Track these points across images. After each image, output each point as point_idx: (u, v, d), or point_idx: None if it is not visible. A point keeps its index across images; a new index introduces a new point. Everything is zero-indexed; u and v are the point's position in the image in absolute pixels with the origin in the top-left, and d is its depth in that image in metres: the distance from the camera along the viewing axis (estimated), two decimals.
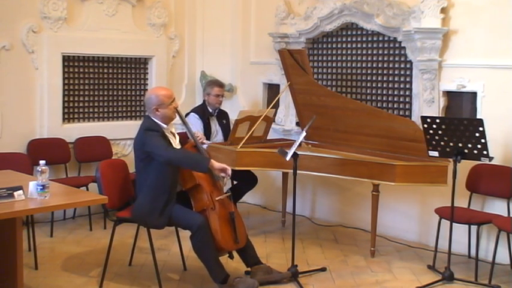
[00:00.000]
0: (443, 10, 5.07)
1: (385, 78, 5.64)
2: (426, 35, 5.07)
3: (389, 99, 5.62)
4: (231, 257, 4.30)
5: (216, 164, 4.05)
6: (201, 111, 5.87)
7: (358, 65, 5.85)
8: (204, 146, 5.23)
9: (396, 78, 5.55)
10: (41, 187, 3.50)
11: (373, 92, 5.73)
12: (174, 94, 4.35)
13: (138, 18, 6.45)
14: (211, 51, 7.02)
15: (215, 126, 5.94)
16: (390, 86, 5.60)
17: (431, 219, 5.12)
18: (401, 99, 5.53)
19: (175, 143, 4.29)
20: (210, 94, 5.89)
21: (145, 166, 4.15)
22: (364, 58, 5.80)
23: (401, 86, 5.51)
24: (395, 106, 5.58)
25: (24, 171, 4.71)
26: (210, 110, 5.91)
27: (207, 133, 5.80)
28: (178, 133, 4.54)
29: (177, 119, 4.36)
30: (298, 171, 4.41)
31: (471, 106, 5.07)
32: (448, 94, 5.21)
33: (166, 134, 4.19)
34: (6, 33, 5.60)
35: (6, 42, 5.59)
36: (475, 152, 4.19)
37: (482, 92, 4.94)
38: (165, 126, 4.20)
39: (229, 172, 4.13)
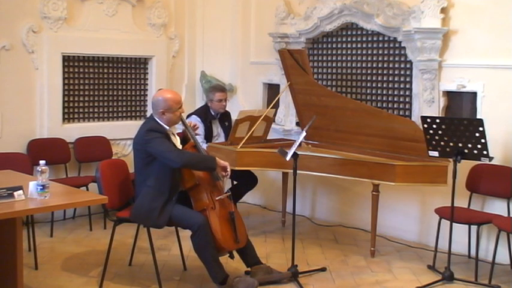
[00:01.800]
0: (443, 10, 5.07)
1: (385, 78, 5.64)
2: (426, 35, 5.07)
3: (389, 99, 5.61)
4: (231, 256, 4.30)
5: (221, 162, 4.21)
6: (203, 114, 5.83)
7: (358, 65, 5.84)
8: (204, 146, 5.23)
9: (396, 78, 5.55)
10: (41, 187, 3.50)
11: (373, 92, 5.73)
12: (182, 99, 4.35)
13: (138, 18, 6.45)
14: (211, 51, 7.02)
15: (217, 129, 5.91)
16: (390, 86, 5.60)
17: (431, 219, 5.12)
18: (401, 99, 5.53)
19: (177, 143, 4.29)
20: (212, 100, 5.83)
21: (146, 166, 4.15)
22: (364, 58, 5.79)
23: (401, 86, 5.51)
24: (395, 106, 5.58)
25: (24, 171, 4.71)
26: (213, 114, 5.88)
27: (209, 136, 5.79)
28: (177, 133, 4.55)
29: None
30: (298, 171, 4.41)
31: (471, 106, 5.07)
32: (448, 94, 5.21)
33: (169, 134, 4.20)
34: (6, 33, 5.60)
35: (6, 42, 5.59)
36: (475, 152, 4.19)
37: (482, 92, 4.94)
38: (167, 128, 4.21)
39: (229, 171, 4.21)
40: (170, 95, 4.24)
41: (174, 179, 4.17)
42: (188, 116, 5.70)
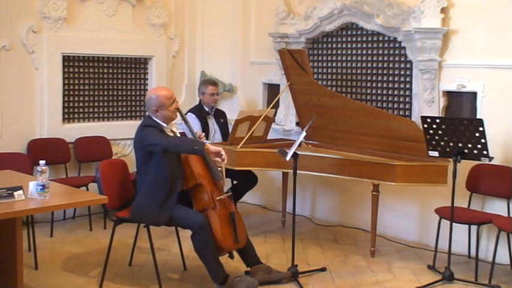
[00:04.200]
0: (443, 10, 5.07)
1: (385, 78, 5.64)
2: (426, 35, 5.07)
3: (389, 99, 5.61)
4: (231, 256, 4.30)
5: (211, 148, 4.00)
6: (198, 110, 5.94)
7: (358, 65, 5.84)
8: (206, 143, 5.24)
9: (396, 78, 5.55)
10: (41, 187, 3.50)
11: (373, 92, 5.73)
12: (175, 94, 4.34)
13: (138, 18, 6.45)
14: (211, 51, 7.03)
15: (213, 125, 5.98)
16: (390, 86, 5.60)
17: (431, 219, 5.12)
18: (401, 99, 5.53)
19: None
20: (204, 93, 5.95)
21: (146, 164, 4.15)
22: (364, 58, 5.79)
23: (401, 86, 5.51)
24: (395, 106, 5.58)
25: (24, 171, 4.71)
26: (207, 109, 5.96)
27: (205, 132, 5.83)
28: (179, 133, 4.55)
29: (178, 118, 4.38)
30: (298, 171, 4.41)
31: (471, 106, 5.07)
32: (448, 94, 5.21)
33: (166, 131, 4.19)
34: (6, 33, 5.60)
35: (6, 42, 5.59)
36: (475, 152, 4.19)
37: (482, 92, 4.94)
38: (165, 125, 4.20)
39: (224, 156, 4.03)
40: (161, 91, 4.24)
41: (172, 176, 4.15)
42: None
